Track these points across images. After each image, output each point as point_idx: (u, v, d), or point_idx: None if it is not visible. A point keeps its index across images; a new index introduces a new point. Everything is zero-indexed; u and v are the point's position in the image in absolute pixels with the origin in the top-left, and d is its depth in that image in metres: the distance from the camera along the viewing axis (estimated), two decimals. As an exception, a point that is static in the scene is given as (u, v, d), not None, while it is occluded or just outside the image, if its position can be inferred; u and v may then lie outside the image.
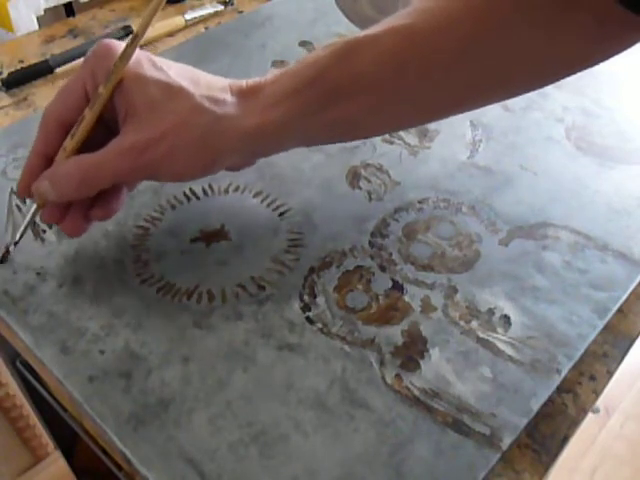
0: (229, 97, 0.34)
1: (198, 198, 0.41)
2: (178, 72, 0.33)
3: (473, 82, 0.35)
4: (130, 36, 0.32)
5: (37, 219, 0.39)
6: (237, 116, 0.33)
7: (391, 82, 0.34)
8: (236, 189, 0.42)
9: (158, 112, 0.32)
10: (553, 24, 0.32)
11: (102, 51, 0.33)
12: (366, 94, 0.34)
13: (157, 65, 0.33)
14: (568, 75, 0.35)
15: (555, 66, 0.34)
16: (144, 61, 0.33)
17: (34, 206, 0.35)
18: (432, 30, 0.33)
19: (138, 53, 0.33)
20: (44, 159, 0.34)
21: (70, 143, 0.33)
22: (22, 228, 0.36)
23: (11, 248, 0.37)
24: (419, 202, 0.41)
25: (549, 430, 0.31)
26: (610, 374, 0.33)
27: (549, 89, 0.51)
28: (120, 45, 0.33)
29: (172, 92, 0.32)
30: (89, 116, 0.33)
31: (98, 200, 0.35)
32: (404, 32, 0.33)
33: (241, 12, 0.64)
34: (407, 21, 0.33)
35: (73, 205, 0.35)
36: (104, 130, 0.34)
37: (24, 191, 0.35)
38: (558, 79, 0.35)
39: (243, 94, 0.34)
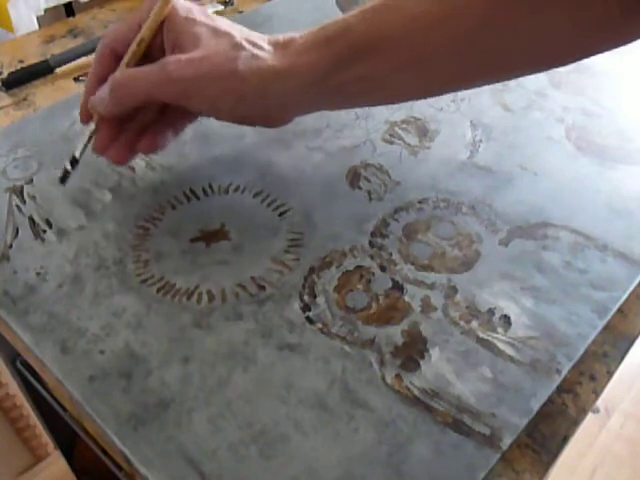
0: (266, 45, 0.37)
1: (198, 198, 0.41)
2: (224, 21, 0.38)
3: (495, 53, 0.35)
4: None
5: (36, 218, 0.39)
6: (270, 58, 0.36)
7: (418, 42, 0.35)
8: (236, 189, 0.42)
9: (202, 44, 0.36)
10: (576, 3, 0.32)
11: None
12: (393, 53, 0.35)
13: (207, 14, 0.38)
14: (589, 55, 0.36)
15: (575, 43, 0.35)
16: (196, 10, 0.37)
17: (92, 125, 0.38)
18: None
19: (191, 5, 0.38)
20: (100, 81, 0.38)
21: (122, 67, 0.37)
22: (82, 145, 0.39)
23: (68, 167, 0.39)
24: (419, 202, 0.41)
25: (549, 430, 0.31)
26: (610, 374, 0.33)
27: (549, 89, 0.51)
28: None
29: (217, 32, 0.36)
30: (137, 39, 0.37)
31: (144, 134, 0.39)
32: None
33: (241, 12, 0.64)
34: None
35: (120, 135, 0.39)
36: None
37: (84, 114, 0.39)
38: (578, 58, 0.36)
39: (278, 44, 0.37)
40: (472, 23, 0.34)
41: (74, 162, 0.39)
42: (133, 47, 0.37)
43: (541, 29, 0.34)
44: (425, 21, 0.34)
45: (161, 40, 0.37)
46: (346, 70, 0.36)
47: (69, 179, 0.40)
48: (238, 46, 0.36)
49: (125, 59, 0.37)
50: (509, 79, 0.39)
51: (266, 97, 0.37)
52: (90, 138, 0.38)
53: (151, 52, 0.38)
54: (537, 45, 0.35)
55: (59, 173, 0.40)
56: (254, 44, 0.36)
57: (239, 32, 0.37)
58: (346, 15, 0.36)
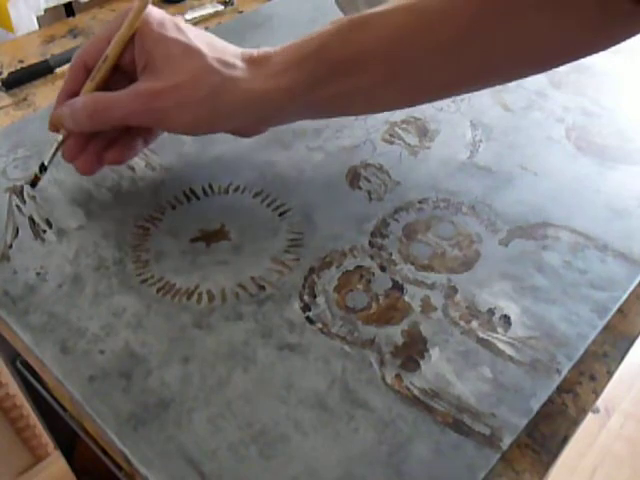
0: (239, 62, 0.36)
1: (198, 198, 0.41)
2: (197, 35, 0.37)
3: (477, 62, 0.35)
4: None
5: (36, 218, 0.39)
6: (244, 79, 0.36)
7: (397, 59, 0.35)
8: (236, 189, 0.42)
9: (174, 66, 0.35)
10: (556, 7, 0.32)
11: (129, 9, 0.36)
12: (371, 69, 0.35)
13: (179, 27, 0.36)
14: (572, 60, 0.36)
15: (558, 50, 0.35)
16: (168, 23, 0.36)
17: (60, 136, 0.39)
18: (440, 9, 0.34)
19: (164, 16, 0.37)
20: (71, 96, 0.38)
21: (90, 84, 0.37)
22: (50, 154, 0.39)
23: (41, 175, 0.40)
24: (419, 202, 0.41)
25: (549, 430, 0.31)
26: (610, 374, 0.33)
27: (549, 89, 0.51)
28: (152, 8, 0.37)
29: (189, 51, 0.35)
30: (108, 59, 0.37)
31: (113, 145, 0.39)
32: (413, 10, 0.34)
33: (241, 12, 0.64)
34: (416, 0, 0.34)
35: (89, 145, 0.39)
36: (124, 80, 0.37)
37: (52, 125, 0.39)
38: (562, 63, 0.36)
39: (253, 61, 0.36)
40: (451, 33, 0.34)
41: (42, 168, 0.40)
42: (99, 63, 0.37)
43: (523, 35, 0.34)
44: (403, 34, 0.34)
45: (132, 54, 0.37)
46: (323, 88, 0.36)
47: (38, 184, 0.41)
48: (210, 69, 0.35)
49: (92, 74, 0.37)
50: (495, 85, 0.39)
51: (241, 119, 0.37)
52: (59, 146, 0.39)
53: (122, 65, 0.37)
54: (519, 51, 0.35)
55: (28, 178, 0.41)
56: (226, 64, 0.36)
57: (211, 49, 0.36)
58: (322, 30, 0.36)
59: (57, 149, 0.39)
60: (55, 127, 0.39)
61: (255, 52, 0.37)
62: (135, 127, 0.39)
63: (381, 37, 0.35)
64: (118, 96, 0.36)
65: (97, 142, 0.39)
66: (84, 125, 0.37)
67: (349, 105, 0.38)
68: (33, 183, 0.41)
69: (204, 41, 0.36)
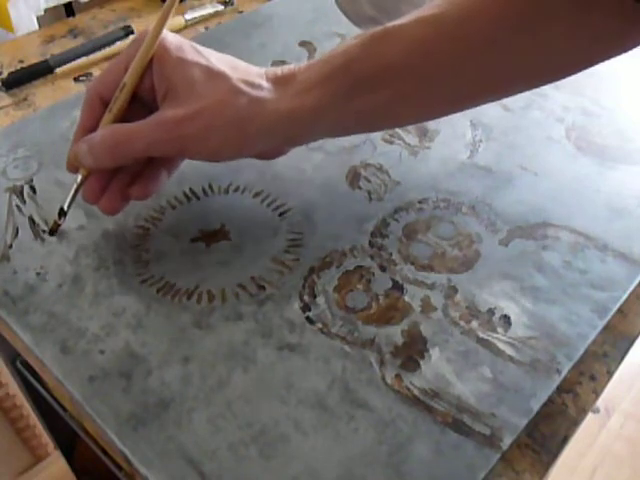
0: (265, 83, 0.35)
1: (198, 198, 0.41)
2: (218, 58, 0.35)
3: (498, 72, 0.35)
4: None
5: (36, 218, 0.39)
6: (271, 100, 0.34)
7: (420, 70, 0.34)
8: (236, 189, 0.42)
9: (197, 92, 0.34)
10: (575, 15, 0.32)
11: (143, 34, 0.35)
12: (395, 83, 0.35)
13: (199, 51, 0.35)
14: (586, 68, 0.35)
15: (574, 59, 0.35)
16: (186, 47, 0.35)
17: (80, 176, 0.36)
18: (459, 20, 0.33)
19: (181, 40, 0.35)
20: (88, 132, 0.36)
21: (108, 116, 0.35)
22: (69, 198, 0.37)
23: (61, 221, 0.38)
24: (419, 202, 0.41)
25: (549, 430, 0.31)
26: (610, 374, 0.33)
27: (549, 89, 0.51)
28: (167, 32, 0.35)
29: (212, 74, 0.34)
30: (125, 88, 0.35)
31: (137, 179, 0.37)
32: (432, 21, 0.34)
33: (241, 12, 0.64)
34: (435, 11, 0.34)
35: (112, 183, 0.36)
36: (143, 110, 0.36)
37: (70, 164, 0.37)
38: (577, 71, 0.36)
39: (278, 80, 0.35)
40: (469, 45, 0.34)
41: (62, 214, 0.38)
42: (116, 93, 0.35)
43: (540, 46, 0.34)
44: (424, 47, 0.34)
45: (151, 81, 0.35)
46: (348, 105, 0.35)
47: (58, 231, 0.38)
48: (236, 90, 0.34)
49: (110, 105, 0.35)
50: (512, 95, 0.38)
51: (269, 140, 0.36)
52: (78, 187, 0.37)
53: (140, 94, 0.36)
54: (538, 62, 0.35)
55: (47, 226, 0.39)
56: (252, 85, 0.34)
57: (234, 71, 0.35)
58: (345, 44, 0.35)
59: (77, 191, 0.37)
60: (74, 167, 0.37)
61: (279, 71, 0.36)
62: (158, 158, 0.37)
63: (401, 51, 0.34)
64: (139, 126, 0.34)
65: (120, 178, 0.37)
66: (104, 161, 0.35)
67: (374, 121, 0.37)
68: (52, 231, 0.38)
69: (226, 63, 0.35)
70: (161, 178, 0.38)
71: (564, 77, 0.37)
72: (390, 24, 0.35)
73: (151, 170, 0.37)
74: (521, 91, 0.39)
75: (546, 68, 0.36)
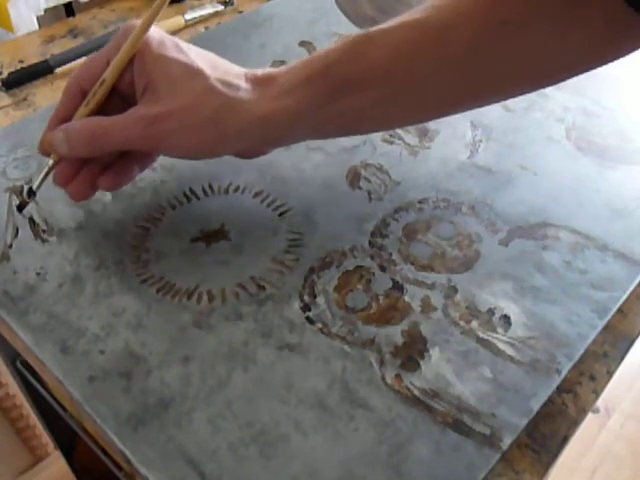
0: (243, 83, 0.35)
1: (198, 198, 0.41)
2: (199, 55, 0.35)
3: (483, 77, 0.35)
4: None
5: (36, 218, 0.39)
6: (248, 101, 0.34)
7: (402, 75, 0.34)
8: (236, 189, 0.42)
9: (175, 89, 0.34)
10: (562, 21, 0.32)
11: (129, 28, 0.35)
12: (376, 86, 0.34)
13: (180, 47, 0.35)
14: (578, 73, 0.35)
15: (564, 64, 0.35)
16: (168, 43, 0.35)
17: (51, 160, 0.37)
18: (443, 25, 0.33)
19: (163, 36, 0.35)
20: (64, 121, 0.36)
21: (84, 109, 0.36)
22: (39, 179, 0.37)
23: (30, 199, 0.39)
24: (419, 202, 0.41)
25: (549, 430, 0.31)
26: (610, 374, 0.33)
27: (549, 89, 0.51)
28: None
29: (190, 72, 0.34)
30: (105, 83, 0.35)
31: (108, 170, 0.37)
32: (416, 26, 0.34)
33: (241, 12, 0.64)
34: (419, 16, 0.34)
35: (83, 170, 0.37)
36: (122, 103, 0.36)
37: (44, 149, 0.37)
38: (568, 77, 0.36)
39: (257, 82, 0.35)
40: (454, 49, 0.33)
41: (30, 194, 0.38)
42: (95, 87, 0.35)
43: (528, 50, 0.33)
44: (407, 51, 0.34)
45: (131, 75, 0.35)
46: (329, 108, 0.35)
47: (26, 208, 0.40)
48: (212, 90, 0.34)
49: (87, 98, 0.35)
50: (500, 101, 0.38)
51: (244, 141, 0.36)
52: (49, 171, 0.37)
53: (119, 88, 0.36)
54: (524, 66, 0.35)
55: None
56: (229, 85, 0.34)
57: (213, 70, 0.35)
58: (327, 48, 0.35)
59: (47, 174, 0.37)
60: (46, 151, 0.37)
61: (260, 72, 0.36)
62: (132, 152, 0.37)
63: (386, 55, 0.34)
64: (117, 120, 0.34)
65: (91, 167, 0.37)
66: (80, 151, 0.35)
67: (355, 124, 0.37)
68: (20, 207, 0.39)
69: (206, 61, 0.35)
70: (132, 172, 0.38)
71: (555, 82, 0.37)
72: (373, 29, 0.34)
73: (123, 163, 0.37)
74: (508, 97, 0.38)
75: (534, 73, 0.35)
